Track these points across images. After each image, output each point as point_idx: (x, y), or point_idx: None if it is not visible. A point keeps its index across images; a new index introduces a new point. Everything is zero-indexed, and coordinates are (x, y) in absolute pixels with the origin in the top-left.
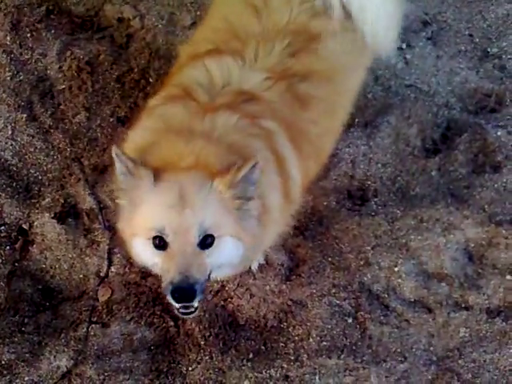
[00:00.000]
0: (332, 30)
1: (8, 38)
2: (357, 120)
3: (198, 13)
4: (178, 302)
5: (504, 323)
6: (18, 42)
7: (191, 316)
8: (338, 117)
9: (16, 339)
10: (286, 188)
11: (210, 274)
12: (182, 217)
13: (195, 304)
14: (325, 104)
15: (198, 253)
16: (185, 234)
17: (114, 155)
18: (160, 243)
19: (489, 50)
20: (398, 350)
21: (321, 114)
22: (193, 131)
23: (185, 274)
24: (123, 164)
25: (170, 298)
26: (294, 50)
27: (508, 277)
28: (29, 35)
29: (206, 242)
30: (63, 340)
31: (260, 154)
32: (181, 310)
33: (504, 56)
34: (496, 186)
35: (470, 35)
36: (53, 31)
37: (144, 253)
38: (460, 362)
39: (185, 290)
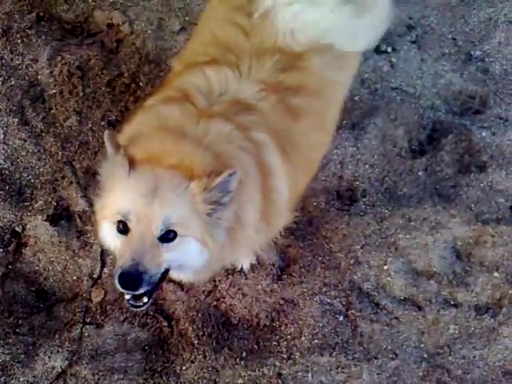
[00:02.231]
0: (317, 48)
1: None
2: (344, 122)
3: (187, 18)
4: (122, 287)
5: (492, 320)
6: (8, 48)
7: (139, 310)
8: (327, 129)
9: (10, 340)
10: (268, 208)
11: (167, 271)
12: (149, 206)
13: (145, 299)
14: (315, 116)
15: (155, 244)
16: (147, 223)
17: (105, 138)
18: (123, 228)
19: (472, 53)
20: (389, 348)
21: (311, 126)
22: (185, 133)
23: (136, 261)
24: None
25: (116, 283)
26: (283, 66)
27: (495, 274)
28: (19, 41)
29: (167, 236)
30: (57, 341)
31: (244, 168)
32: (130, 302)
33: (487, 59)
34: (482, 185)
35: (454, 39)
36: (43, 37)
37: (108, 236)
38: (450, 358)
39: (131, 277)
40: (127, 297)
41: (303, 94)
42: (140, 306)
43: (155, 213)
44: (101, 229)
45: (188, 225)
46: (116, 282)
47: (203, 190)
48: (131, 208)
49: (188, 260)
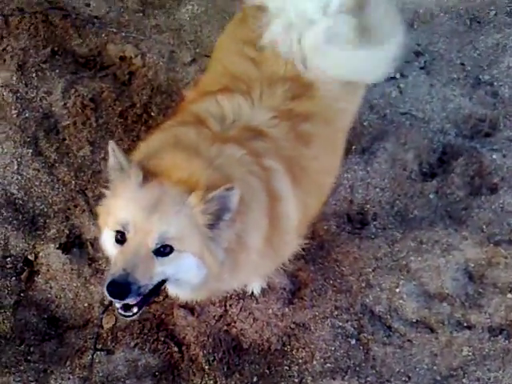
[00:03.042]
0: (325, 78)
1: (14, 78)
2: (354, 147)
3: (198, 50)
4: (110, 295)
5: (506, 341)
6: (23, 82)
7: (128, 319)
8: (337, 153)
9: (22, 368)
10: (275, 234)
11: (161, 284)
12: (147, 220)
13: (135, 310)
14: (325, 141)
15: (150, 257)
16: (144, 236)
17: (109, 149)
18: (120, 238)
19: (480, 77)
20: (402, 370)
21: (321, 151)
22: (198, 152)
23: (127, 272)
24: (116, 159)
25: (105, 291)
26: (294, 94)
27: (509, 295)
28: (34, 75)
29: (164, 250)
30: (69, 368)
31: (252, 192)
32: (119, 311)
33: (496, 83)
34: (493, 207)
35: (462, 64)
36: (57, 71)
37: (107, 244)
38: (464, 380)
39: (120, 286)
40: (117, 305)
41: (313, 120)
42: (129, 316)
43: (153, 226)
44: (102, 235)
45: (186, 239)
46: (105, 289)
47: (200, 201)
48: (130, 219)
49: (185, 275)
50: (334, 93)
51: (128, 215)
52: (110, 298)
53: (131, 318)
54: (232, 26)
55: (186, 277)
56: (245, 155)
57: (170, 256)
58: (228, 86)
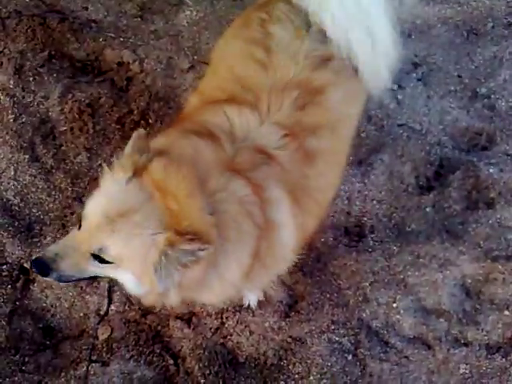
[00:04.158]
0: (333, 82)
1: (11, 82)
2: (351, 158)
3: (196, 57)
4: (31, 267)
5: (504, 359)
6: (20, 86)
7: (45, 278)
8: (341, 164)
9: (16, 378)
10: (267, 256)
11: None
12: (105, 225)
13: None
14: (330, 154)
15: (86, 257)
16: (89, 238)
17: (135, 136)
18: (79, 224)
19: (478, 90)
20: None
21: (326, 165)
22: (207, 179)
23: (55, 257)
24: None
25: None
26: (302, 103)
27: (506, 312)
28: (31, 79)
29: (100, 260)
30: (63, 379)
31: (240, 235)
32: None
33: (493, 96)
34: (490, 221)
35: (459, 76)
36: (55, 75)
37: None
38: None
39: (41, 265)
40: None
41: (319, 132)
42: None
43: (103, 235)
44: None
45: (130, 263)
46: (32, 259)
47: (168, 246)
48: (92, 211)
49: (121, 283)
50: (341, 98)
51: (94, 205)
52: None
53: (47, 279)
54: (234, 29)
55: (123, 285)
56: (247, 196)
57: (107, 265)
58: (234, 94)
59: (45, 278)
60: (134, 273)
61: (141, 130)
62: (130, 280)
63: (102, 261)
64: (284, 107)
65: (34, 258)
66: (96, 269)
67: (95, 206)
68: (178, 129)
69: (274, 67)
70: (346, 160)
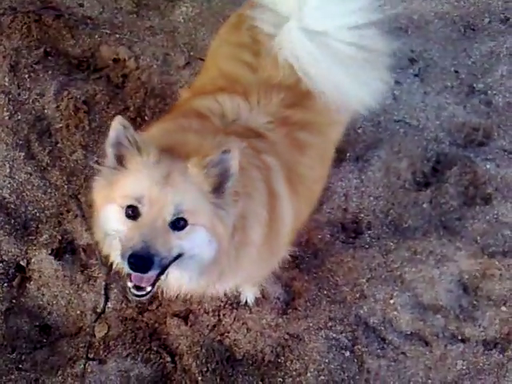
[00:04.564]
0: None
1: (6, 79)
2: (348, 154)
3: (192, 53)
4: (132, 268)
5: (501, 355)
6: (16, 83)
7: (142, 299)
8: (328, 164)
9: (13, 376)
10: (272, 230)
11: (177, 258)
12: (162, 192)
13: (148, 288)
14: (319, 151)
15: (167, 230)
16: (160, 209)
17: (116, 124)
18: (132, 213)
19: (475, 85)
20: None
21: (316, 160)
22: (204, 138)
23: (147, 244)
24: (128, 135)
25: (125, 265)
26: (290, 103)
27: (503, 308)
28: (27, 76)
29: (178, 224)
30: (60, 377)
31: (253, 182)
32: (132, 291)
33: (490, 91)
34: (487, 217)
35: (456, 72)
36: (50, 72)
37: (112, 219)
38: None
39: (142, 258)
40: (130, 284)
41: (308, 130)
42: (143, 296)
43: (168, 199)
44: (103, 212)
45: (198, 212)
46: (125, 263)
47: (200, 166)
48: (145, 193)
49: (199, 249)
50: (328, 105)
51: (143, 189)
52: (129, 271)
53: (144, 298)
54: (225, 31)
55: (200, 251)
56: (247, 148)
57: (185, 229)
58: (225, 87)
59: (146, 275)
60: (206, 223)
61: (119, 117)
62: (205, 237)
63: (180, 227)
64: (272, 103)
65: (127, 257)
66: (179, 241)
67: (141, 187)
68: (167, 118)
69: (263, 69)
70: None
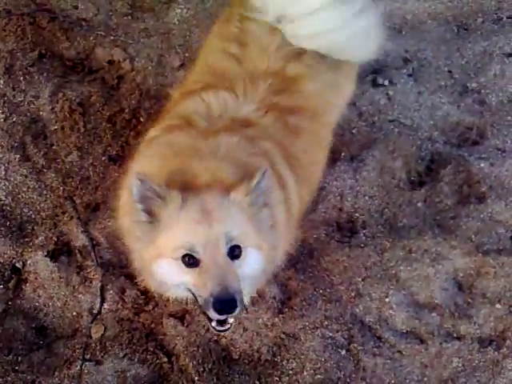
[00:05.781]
0: (308, 74)
1: (1, 82)
2: (343, 154)
3: (187, 54)
4: (220, 313)
5: (496, 352)
6: (11, 85)
7: (227, 332)
8: (324, 147)
9: (10, 378)
10: (287, 210)
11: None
12: (209, 231)
13: (231, 320)
14: (312, 135)
15: (229, 263)
16: (215, 247)
17: (135, 180)
18: (191, 261)
19: (468, 85)
20: (392, 382)
21: (310, 144)
22: (200, 153)
23: (223, 285)
24: (148, 188)
25: (211, 312)
26: (277, 89)
27: (498, 306)
28: (22, 78)
29: (234, 252)
30: (57, 378)
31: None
32: (217, 328)
33: (483, 91)
34: (482, 216)
35: (450, 71)
36: (45, 74)
37: (171, 273)
38: None
39: (227, 301)
40: (213, 324)
41: (299, 114)
42: (227, 330)
43: (217, 234)
44: (158, 268)
45: (246, 235)
46: (211, 311)
47: (245, 195)
48: (194, 239)
49: (253, 270)
50: (318, 88)
51: (189, 236)
52: (217, 317)
53: (229, 331)
54: (217, 27)
55: (254, 271)
56: (240, 140)
57: (242, 256)
58: (211, 83)
59: (235, 313)
60: (253, 244)
61: (137, 173)
62: (256, 255)
63: (236, 256)
64: (260, 91)
65: (211, 305)
66: (240, 269)
67: (187, 235)
68: (157, 127)
69: (248, 60)
70: (329, 144)
